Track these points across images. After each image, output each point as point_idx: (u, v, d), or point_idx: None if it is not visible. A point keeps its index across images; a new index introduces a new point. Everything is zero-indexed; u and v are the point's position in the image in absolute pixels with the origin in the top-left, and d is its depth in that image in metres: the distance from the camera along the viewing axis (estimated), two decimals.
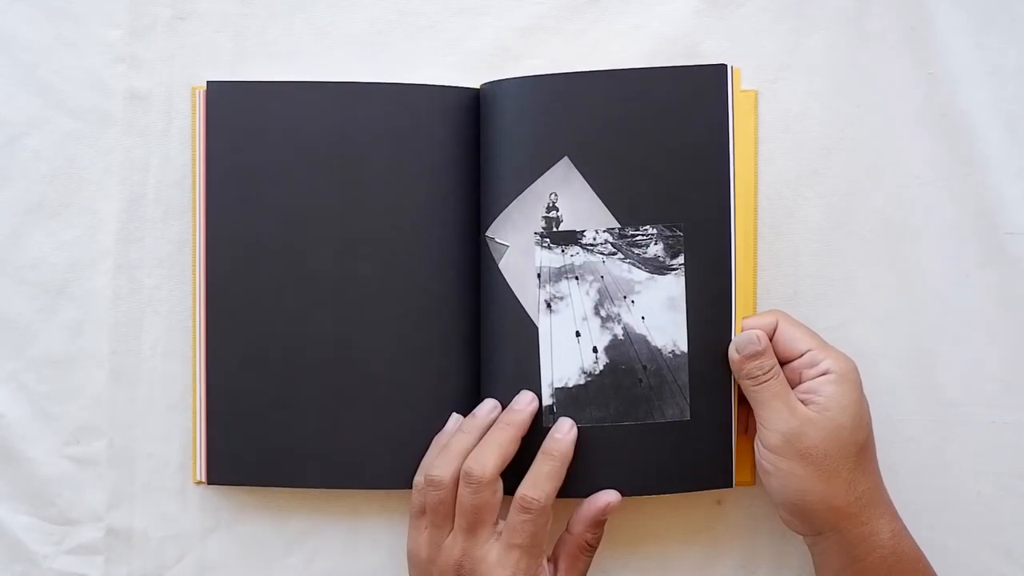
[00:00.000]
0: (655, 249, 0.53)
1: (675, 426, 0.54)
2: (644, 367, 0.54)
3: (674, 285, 0.54)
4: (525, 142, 0.54)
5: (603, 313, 0.54)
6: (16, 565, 0.58)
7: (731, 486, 0.54)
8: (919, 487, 0.57)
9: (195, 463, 0.58)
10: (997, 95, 0.57)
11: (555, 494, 0.51)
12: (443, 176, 0.56)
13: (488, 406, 0.54)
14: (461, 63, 0.59)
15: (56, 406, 0.59)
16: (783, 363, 0.52)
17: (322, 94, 0.56)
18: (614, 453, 0.54)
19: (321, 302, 0.56)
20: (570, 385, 0.54)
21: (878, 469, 0.52)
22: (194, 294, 0.57)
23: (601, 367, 0.54)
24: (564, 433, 0.52)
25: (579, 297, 0.54)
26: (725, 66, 0.54)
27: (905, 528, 0.51)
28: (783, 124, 0.58)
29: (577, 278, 0.54)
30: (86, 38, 0.59)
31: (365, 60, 0.59)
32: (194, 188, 0.57)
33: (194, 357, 0.57)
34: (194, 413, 0.57)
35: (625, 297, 0.54)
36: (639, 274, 0.54)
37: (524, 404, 0.53)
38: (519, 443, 0.52)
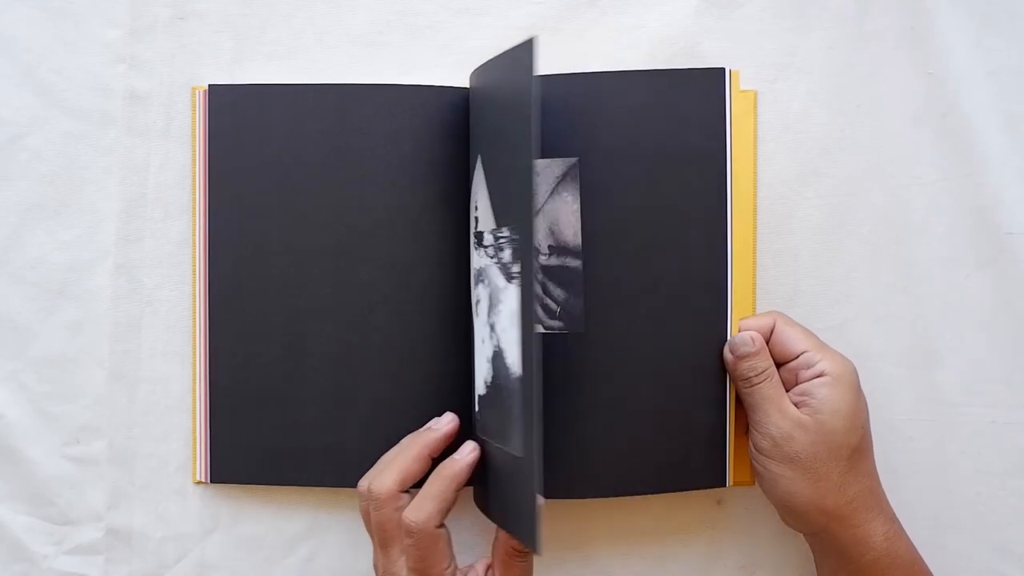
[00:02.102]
0: (507, 254, 0.50)
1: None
2: (504, 386, 0.50)
3: (514, 297, 0.49)
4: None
5: (491, 322, 0.51)
6: (16, 565, 0.58)
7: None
8: (919, 487, 0.57)
9: (195, 463, 0.58)
10: (997, 95, 0.57)
11: (441, 515, 0.49)
12: (441, 176, 0.56)
13: (445, 419, 0.53)
14: (461, 63, 0.59)
15: (56, 406, 0.59)
16: (780, 364, 0.52)
17: (321, 96, 0.56)
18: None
19: (320, 301, 0.56)
20: (481, 394, 0.53)
21: (874, 471, 0.52)
22: (194, 294, 0.57)
23: (490, 379, 0.51)
24: (462, 456, 0.51)
25: (484, 303, 0.52)
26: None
27: (901, 530, 0.51)
28: (783, 124, 0.58)
29: (483, 281, 0.52)
30: (86, 38, 0.59)
31: (365, 60, 0.59)
32: (194, 188, 0.57)
33: (194, 357, 0.57)
34: (194, 413, 0.57)
35: (496, 306, 0.50)
36: (502, 281, 0.50)
37: (442, 424, 0.53)
38: (427, 462, 0.51)
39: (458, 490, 0.50)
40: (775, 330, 0.52)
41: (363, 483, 0.51)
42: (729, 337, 0.53)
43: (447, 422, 0.53)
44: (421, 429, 0.53)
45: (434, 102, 0.56)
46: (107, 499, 0.59)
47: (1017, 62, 0.57)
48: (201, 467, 0.57)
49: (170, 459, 0.59)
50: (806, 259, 0.58)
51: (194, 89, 0.58)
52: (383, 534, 0.49)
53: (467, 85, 0.56)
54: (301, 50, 0.59)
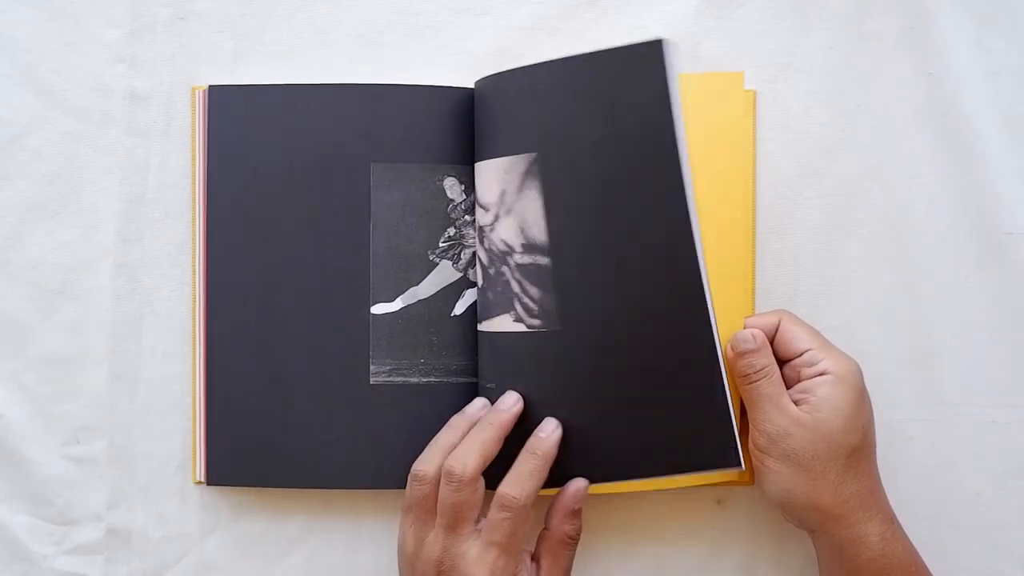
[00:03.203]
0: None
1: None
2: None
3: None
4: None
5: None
6: (16, 565, 0.58)
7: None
8: (919, 487, 0.57)
9: (195, 463, 0.58)
10: (997, 95, 0.57)
11: (536, 493, 0.51)
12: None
13: (478, 404, 0.54)
14: (461, 63, 0.59)
15: (56, 406, 0.59)
16: (784, 361, 0.52)
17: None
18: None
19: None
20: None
21: (875, 471, 0.52)
22: (194, 294, 0.57)
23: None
24: (548, 433, 0.52)
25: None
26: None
27: (899, 531, 0.51)
28: (783, 124, 0.58)
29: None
30: (86, 38, 0.59)
31: (365, 60, 0.59)
32: (194, 188, 0.57)
33: (194, 357, 0.57)
34: (194, 413, 0.57)
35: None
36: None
37: (509, 405, 0.53)
38: (502, 443, 0.52)
39: (549, 467, 0.51)
40: (780, 328, 0.52)
41: (419, 466, 0.51)
42: (714, 325, 0.51)
43: (513, 402, 0.53)
44: (489, 411, 0.53)
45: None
46: (107, 499, 0.58)
47: (1017, 62, 0.57)
48: (201, 467, 0.57)
49: (170, 459, 0.58)
50: (806, 259, 0.58)
51: (194, 89, 0.58)
52: (457, 514, 0.50)
53: (467, 85, 0.56)
54: (301, 50, 0.59)
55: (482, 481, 0.51)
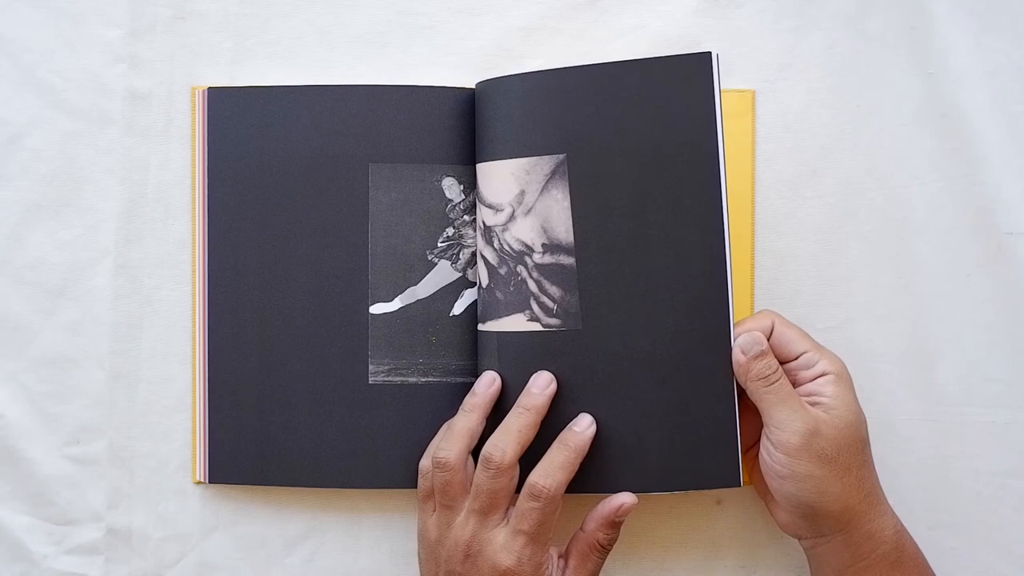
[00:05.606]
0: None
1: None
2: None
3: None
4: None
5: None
6: (16, 565, 0.58)
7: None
8: (919, 487, 0.57)
9: (195, 463, 0.58)
10: (997, 95, 0.57)
11: (566, 485, 0.51)
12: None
13: (486, 380, 0.54)
14: (461, 63, 0.59)
15: (56, 406, 0.59)
16: (780, 364, 0.52)
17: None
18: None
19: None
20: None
21: (874, 465, 0.52)
22: (194, 294, 0.57)
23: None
24: (583, 428, 0.52)
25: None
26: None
27: (903, 525, 0.52)
28: (783, 124, 0.58)
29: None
30: (86, 38, 0.59)
31: (365, 60, 0.59)
32: (194, 188, 0.57)
33: (194, 357, 0.57)
34: (194, 413, 0.57)
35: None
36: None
37: (542, 387, 0.52)
38: (538, 427, 0.52)
39: (580, 461, 0.51)
40: (774, 331, 0.52)
41: (441, 453, 0.51)
42: (733, 336, 0.52)
43: (546, 384, 0.52)
44: (522, 395, 0.52)
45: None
46: (107, 499, 0.59)
47: (1017, 62, 0.57)
48: (201, 467, 0.57)
49: (170, 459, 0.59)
50: (806, 259, 0.58)
51: (194, 89, 0.58)
52: (492, 500, 0.50)
53: (466, 85, 0.56)
54: (301, 50, 0.59)
55: (518, 468, 0.51)
